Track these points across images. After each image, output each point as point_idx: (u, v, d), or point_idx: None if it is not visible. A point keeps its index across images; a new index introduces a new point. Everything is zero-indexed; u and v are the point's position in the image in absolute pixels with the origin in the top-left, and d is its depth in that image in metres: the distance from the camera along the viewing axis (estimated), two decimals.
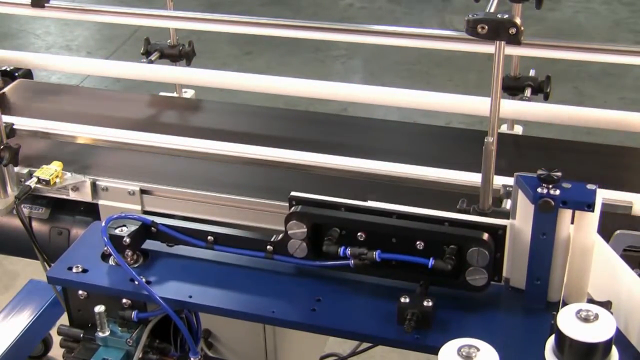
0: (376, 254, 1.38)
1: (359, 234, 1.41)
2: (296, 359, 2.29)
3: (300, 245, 1.44)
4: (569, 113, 2.02)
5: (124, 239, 1.47)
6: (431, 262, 1.36)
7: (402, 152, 2.08)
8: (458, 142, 2.23)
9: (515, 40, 1.50)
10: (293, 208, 1.43)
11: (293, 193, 1.45)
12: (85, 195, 2.05)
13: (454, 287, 1.39)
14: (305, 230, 1.42)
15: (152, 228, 1.52)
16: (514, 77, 2.29)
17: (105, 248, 1.47)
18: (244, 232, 1.52)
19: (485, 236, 1.35)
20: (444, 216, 1.39)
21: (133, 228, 1.49)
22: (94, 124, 2.13)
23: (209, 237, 1.51)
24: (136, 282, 1.44)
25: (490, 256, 1.34)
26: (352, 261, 1.40)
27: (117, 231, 1.48)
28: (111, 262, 1.50)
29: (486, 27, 1.49)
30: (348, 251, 1.40)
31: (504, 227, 1.37)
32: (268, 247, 1.48)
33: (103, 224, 1.49)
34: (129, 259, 1.49)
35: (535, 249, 1.34)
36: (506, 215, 1.55)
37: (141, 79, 2.35)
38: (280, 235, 1.46)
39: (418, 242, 1.38)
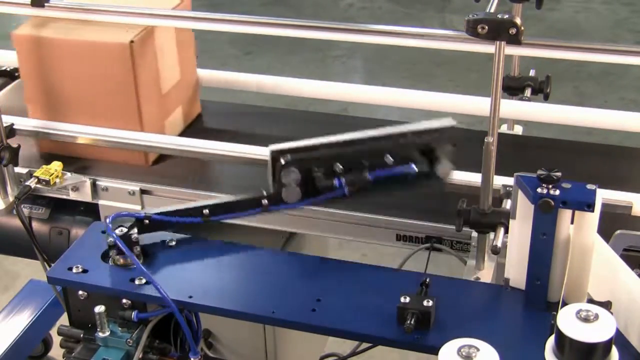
0: (368, 175, 1.44)
1: (336, 165, 1.46)
2: (296, 359, 2.29)
3: (294, 191, 1.47)
4: (569, 113, 2.02)
5: (109, 239, 1.47)
6: (412, 167, 1.44)
7: None
8: (458, 142, 2.23)
9: (515, 40, 1.50)
10: (283, 158, 1.45)
11: (273, 147, 1.47)
12: (85, 195, 2.05)
13: (428, 184, 1.47)
14: (299, 175, 1.45)
15: (145, 220, 1.52)
16: (514, 77, 2.29)
17: (111, 241, 1.47)
18: (236, 197, 1.53)
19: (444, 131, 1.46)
20: (407, 129, 1.46)
21: (129, 225, 1.50)
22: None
23: (204, 211, 1.52)
24: (137, 281, 1.45)
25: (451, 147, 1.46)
26: (347, 188, 1.45)
27: (117, 231, 1.48)
28: (111, 262, 1.50)
29: (486, 27, 1.49)
30: (343, 180, 1.44)
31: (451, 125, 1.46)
32: (263, 201, 1.50)
33: (108, 221, 1.48)
34: (128, 260, 1.49)
35: (535, 249, 1.34)
36: (506, 215, 1.55)
37: None
38: (273, 188, 1.49)
39: (386, 156, 1.45)
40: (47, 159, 2.09)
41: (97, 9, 2.08)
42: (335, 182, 1.46)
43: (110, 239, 1.46)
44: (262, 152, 1.99)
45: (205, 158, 2.05)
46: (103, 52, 2.00)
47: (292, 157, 1.46)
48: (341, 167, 1.46)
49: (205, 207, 1.53)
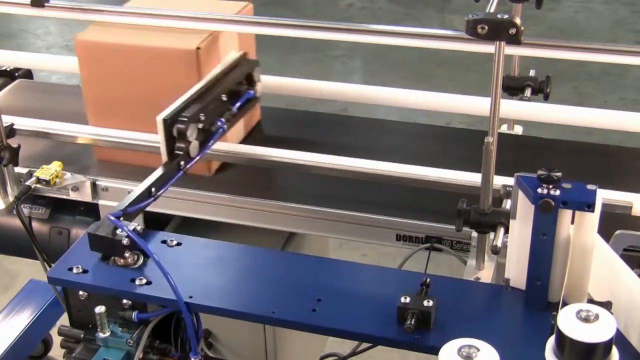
0: (234, 109, 1.93)
1: (201, 115, 1.80)
2: (296, 359, 2.30)
3: (195, 145, 1.77)
4: (569, 113, 2.02)
5: (124, 240, 1.47)
6: (251, 92, 2.00)
7: (402, 152, 2.08)
8: (458, 142, 2.23)
9: (515, 40, 1.50)
10: (181, 119, 1.74)
11: (164, 116, 1.72)
12: (85, 195, 2.05)
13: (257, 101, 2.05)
14: (197, 129, 1.77)
15: (122, 217, 1.53)
16: (514, 77, 2.29)
17: (127, 241, 1.47)
18: (161, 169, 1.73)
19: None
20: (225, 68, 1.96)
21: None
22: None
23: (152, 190, 1.67)
24: (137, 281, 1.45)
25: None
26: (225, 126, 1.87)
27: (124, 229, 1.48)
28: (111, 262, 1.50)
29: (486, 27, 1.49)
30: (222, 119, 1.87)
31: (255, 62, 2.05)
32: (181, 163, 1.75)
33: (113, 218, 1.49)
34: (129, 260, 1.49)
35: (535, 249, 1.34)
36: (506, 215, 1.55)
37: None
38: (171, 150, 1.74)
39: (224, 96, 1.91)
40: (106, 167, 2.10)
41: (97, 9, 2.08)
42: (218, 123, 1.86)
43: (126, 239, 1.46)
44: (262, 153, 1.99)
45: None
46: (168, 58, 1.97)
47: (186, 116, 1.75)
48: (207, 113, 1.82)
49: (150, 186, 1.67)
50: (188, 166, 1.77)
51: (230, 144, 2.04)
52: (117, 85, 2.05)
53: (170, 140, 1.74)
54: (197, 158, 1.79)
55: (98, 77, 2.07)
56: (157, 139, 2.00)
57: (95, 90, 2.09)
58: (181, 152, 1.74)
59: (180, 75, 1.97)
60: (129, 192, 1.99)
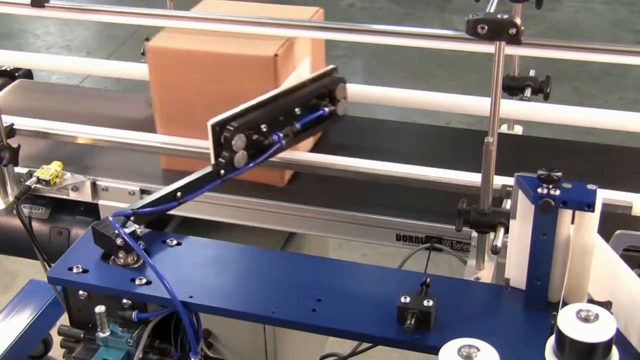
0: (297, 124, 1.77)
1: (262, 125, 1.70)
2: (296, 359, 2.29)
3: (242, 155, 1.67)
4: (569, 113, 2.02)
5: (117, 240, 1.46)
6: (325, 110, 1.83)
7: (402, 152, 2.08)
8: (458, 142, 2.23)
9: (515, 40, 1.50)
10: (229, 127, 1.64)
11: (213, 121, 1.64)
12: (85, 195, 2.05)
13: (334, 119, 1.87)
14: (245, 139, 1.65)
15: (132, 217, 1.52)
16: (514, 77, 2.29)
17: (121, 241, 1.46)
18: (197, 173, 1.65)
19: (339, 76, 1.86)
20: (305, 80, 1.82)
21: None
22: (94, 124, 2.13)
23: (178, 194, 1.60)
24: (137, 281, 1.45)
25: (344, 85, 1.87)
26: (283, 141, 1.72)
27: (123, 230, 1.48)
28: (111, 262, 1.50)
29: (486, 27, 1.49)
30: (280, 134, 1.72)
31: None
32: (221, 172, 1.66)
33: (111, 219, 1.48)
34: (129, 259, 1.49)
35: (535, 249, 1.34)
36: (506, 215, 1.56)
37: (141, 79, 2.35)
38: (218, 158, 1.66)
39: (297, 109, 1.78)
40: (169, 177, 2.01)
41: (97, 9, 2.08)
42: (275, 137, 1.71)
43: (119, 239, 1.46)
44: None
45: (204, 158, 2.02)
46: (245, 66, 1.91)
47: (236, 124, 1.64)
48: (271, 125, 1.70)
49: (177, 190, 1.61)
50: (229, 176, 1.67)
51: (298, 152, 1.99)
52: (189, 93, 1.97)
53: (218, 147, 1.66)
54: (241, 170, 1.69)
55: (169, 85, 1.99)
56: (157, 139, 2.03)
57: (165, 98, 2.01)
58: (223, 161, 1.66)
59: (256, 83, 1.87)
60: (129, 193, 2.02)
